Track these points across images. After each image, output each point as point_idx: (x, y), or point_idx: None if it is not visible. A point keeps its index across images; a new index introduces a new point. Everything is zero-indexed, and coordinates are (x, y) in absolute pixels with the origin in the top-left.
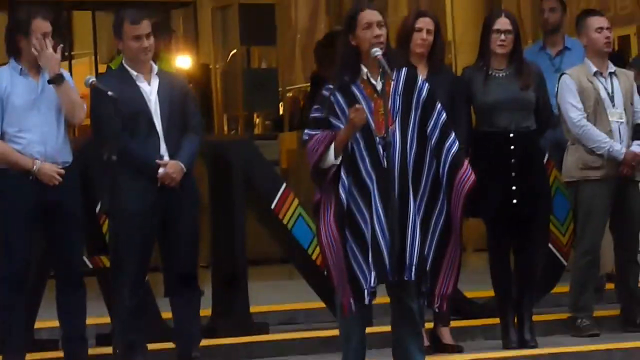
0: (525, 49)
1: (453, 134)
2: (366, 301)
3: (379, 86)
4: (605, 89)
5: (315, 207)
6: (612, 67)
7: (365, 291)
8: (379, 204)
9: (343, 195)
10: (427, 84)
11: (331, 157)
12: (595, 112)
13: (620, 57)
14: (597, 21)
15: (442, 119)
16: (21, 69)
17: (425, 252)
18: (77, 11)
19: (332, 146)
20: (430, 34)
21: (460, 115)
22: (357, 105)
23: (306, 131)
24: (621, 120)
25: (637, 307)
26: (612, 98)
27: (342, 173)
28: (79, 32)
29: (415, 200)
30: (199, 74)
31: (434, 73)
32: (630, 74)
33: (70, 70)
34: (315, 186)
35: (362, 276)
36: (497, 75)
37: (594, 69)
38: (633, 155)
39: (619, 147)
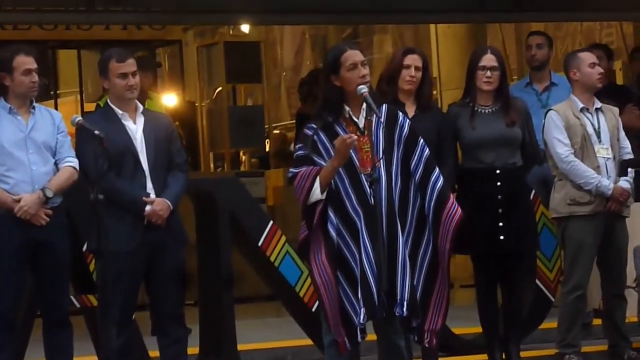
0: (511, 85)
1: (437, 169)
2: (359, 339)
3: (361, 124)
4: (592, 124)
5: (301, 246)
6: (598, 103)
7: (358, 329)
8: (367, 241)
9: (333, 234)
10: (407, 120)
11: (317, 192)
12: (583, 148)
13: (629, 91)
14: (590, 57)
15: (425, 154)
16: (10, 107)
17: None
18: (63, 50)
19: (318, 181)
20: (419, 70)
21: (446, 152)
22: (344, 136)
23: (291, 169)
24: (608, 156)
25: (625, 343)
26: (598, 134)
27: (330, 211)
28: (65, 70)
29: (402, 236)
30: (185, 111)
31: (422, 110)
32: (616, 110)
33: (55, 109)
34: (301, 224)
35: (354, 314)
36: (483, 111)
37: (581, 105)
38: (621, 190)
39: (607, 182)
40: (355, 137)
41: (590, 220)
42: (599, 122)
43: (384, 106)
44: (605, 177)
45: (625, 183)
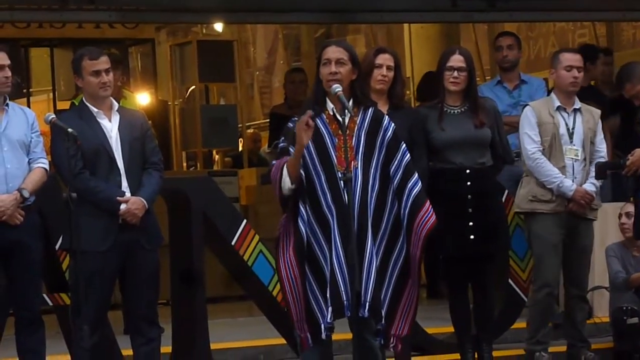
0: (482, 85)
1: (416, 175)
2: (323, 336)
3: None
4: (566, 124)
5: (278, 242)
6: (577, 104)
7: (322, 326)
8: (338, 239)
9: (302, 229)
10: (392, 125)
11: (287, 182)
12: (552, 146)
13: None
14: (568, 59)
15: (406, 159)
16: None
17: (383, 292)
18: (35, 48)
19: (285, 170)
20: (390, 70)
21: (418, 154)
22: (303, 117)
23: (272, 162)
24: (577, 158)
25: (582, 344)
26: (571, 134)
27: (301, 206)
28: (37, 69)
29: (375, 240)
30: (158, 110)
31: (394, 109)
32: (597, 112)
33: (28, 107)
34: (280, 220)
35: (319, 312)
36: (451, 112)
37: (558, 103)
38: (583, 193)
39: (569, 183)
40: (311, 112)
41: (551, 218)
42: (574, 123)
43: (371, 109)
44: (570, 178)
45: (590, 186)
